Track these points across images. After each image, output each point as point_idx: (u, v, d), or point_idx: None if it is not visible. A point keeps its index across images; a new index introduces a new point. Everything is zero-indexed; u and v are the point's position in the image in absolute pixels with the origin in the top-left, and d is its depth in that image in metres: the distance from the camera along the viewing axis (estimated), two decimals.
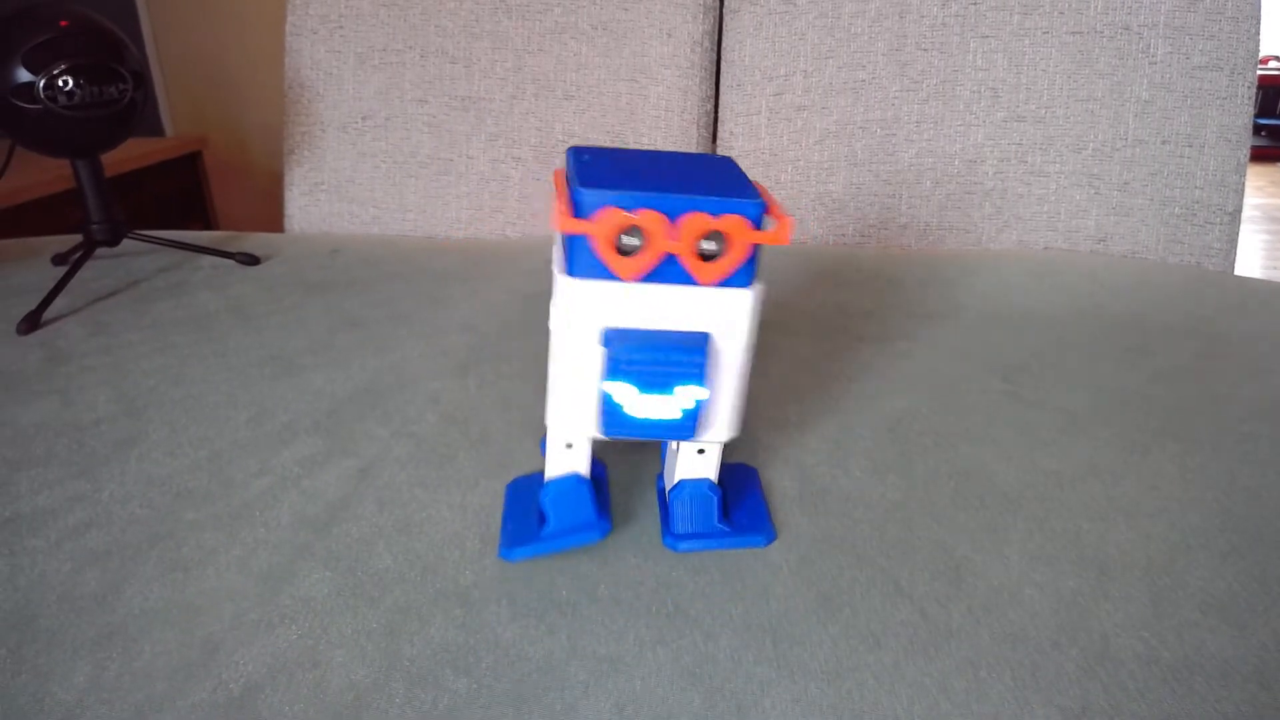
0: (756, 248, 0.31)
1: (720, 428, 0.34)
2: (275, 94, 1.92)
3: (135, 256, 0.83)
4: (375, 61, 0.94)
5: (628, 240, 0.31)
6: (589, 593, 0.35)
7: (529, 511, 0.39)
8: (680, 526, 0.38)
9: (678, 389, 0.32)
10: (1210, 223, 0.79)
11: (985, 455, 0.45)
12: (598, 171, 0.33)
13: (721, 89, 0.89)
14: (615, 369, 0.31)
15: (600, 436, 0.34)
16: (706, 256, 0.31)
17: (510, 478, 0.43)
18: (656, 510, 0.40)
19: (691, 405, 0.32)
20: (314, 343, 0.61)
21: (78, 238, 0.86)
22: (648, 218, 0.30)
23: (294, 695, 0.30)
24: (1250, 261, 3.12)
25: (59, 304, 0.71)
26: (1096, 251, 0.81)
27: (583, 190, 0.30)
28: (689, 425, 0.33)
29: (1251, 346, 0.57)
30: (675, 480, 0.38)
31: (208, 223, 2.04)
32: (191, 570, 0.37)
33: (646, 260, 0.31)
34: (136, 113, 0.69)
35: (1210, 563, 0.36)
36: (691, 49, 0.88)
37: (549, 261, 0.78)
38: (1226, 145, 0.77)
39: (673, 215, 0.30)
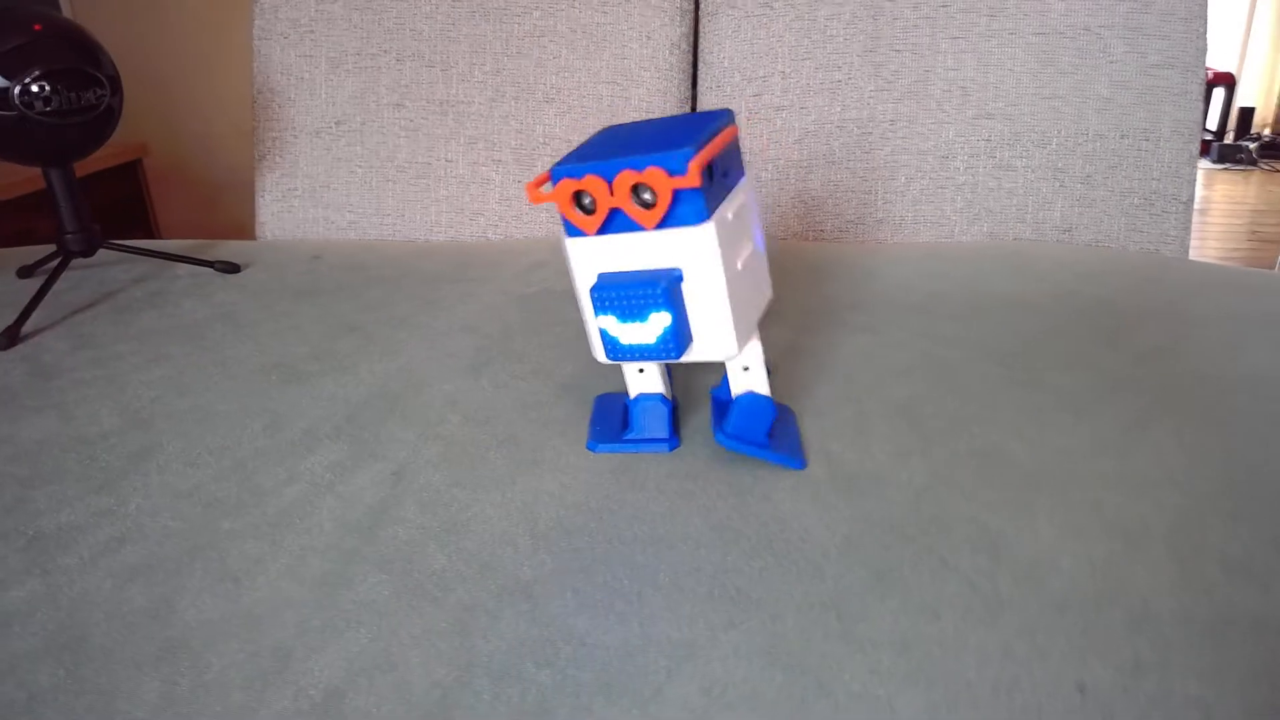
0: (700, 191, 0.36)
1: (719, 348, 0.39)
2: (213, 100, 1.88)
3: (107, 266, 0.80)
4: (349, 66, 0.93)
5: (589, 202, 0.38)
6: (651, 580, 0.35)
7: (614, 419, 0.47)
8: (733, 428, 0.42)
9: (651, 316, 0.37)
10: (1166, 212, 0.83)
11: (997, 435, 0.47)
12: (581, 149, 0.40)
13: (700, 91, 0.91)
14: (598, 305, 0.38)
15: (605, 361, 0.40)
16: (650, 206, 0.36)
17: (544, 476, 0.44)
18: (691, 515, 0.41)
19: (661, 330, 0.37)
20: (315, 349, 0.61)
21: (41, 249, 0.83)
22: (590, 182, 0.37)
23: (378, 697, 0.30)
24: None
25: (34, 317, 0.68)
26: (1063, 241, 0.85)
27: (554, 168, 0.38)
28: (670, 347, 0.37)
29: (1219, 325, 0.60)
30: (737, 392, 0.43)
31: (149, 231, 1.97)
32: (242, 580, 0.36)
33: (599, 215, 0.37)
34: (114, 119, 0.67)
35: (1224, 526, 0.39)
36: (670, 51, 0.89)
37: (538, 264, 0.78)
38: (1180, 139, 0.82)
39: (609, 177, 0.36)
